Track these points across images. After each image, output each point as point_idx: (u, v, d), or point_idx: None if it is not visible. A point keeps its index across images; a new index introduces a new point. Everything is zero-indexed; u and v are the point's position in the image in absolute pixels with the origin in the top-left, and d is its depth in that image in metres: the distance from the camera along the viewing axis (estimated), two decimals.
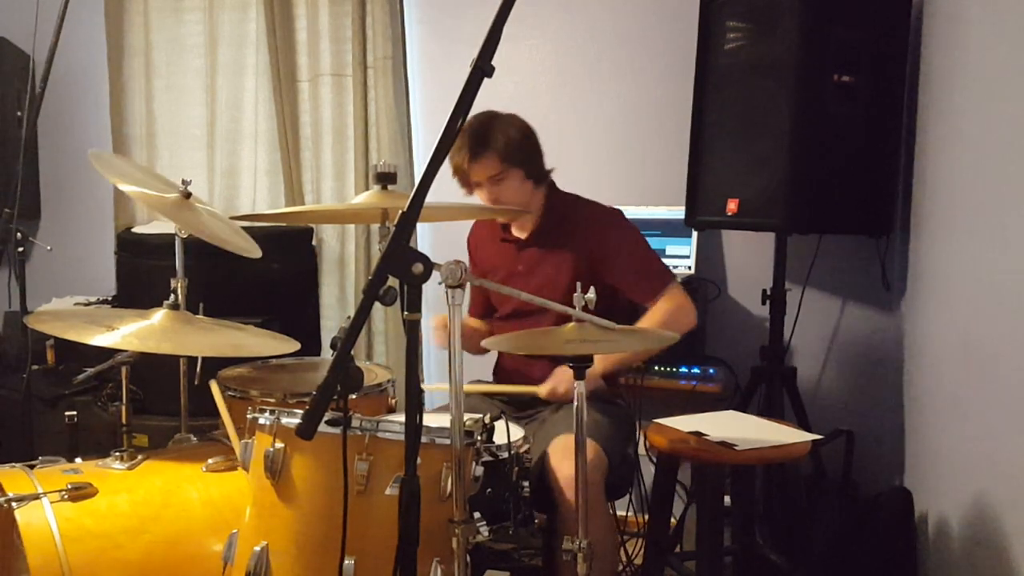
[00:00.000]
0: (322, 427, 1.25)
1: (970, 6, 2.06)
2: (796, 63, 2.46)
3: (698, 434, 2.07)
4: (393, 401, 2.23)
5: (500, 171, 2.18)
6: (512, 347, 2.09)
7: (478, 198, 2.27)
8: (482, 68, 1.19)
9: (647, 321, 2.20)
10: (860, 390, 2.94)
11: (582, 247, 2.25)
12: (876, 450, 2.81)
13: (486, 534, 1.48)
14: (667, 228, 2.98)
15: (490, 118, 2.20)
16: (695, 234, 2.97)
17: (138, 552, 1.70)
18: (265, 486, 1.55)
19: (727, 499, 2.28)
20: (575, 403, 1.60)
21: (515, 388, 2.27)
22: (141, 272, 3.01)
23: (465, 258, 2.42)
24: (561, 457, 1.95)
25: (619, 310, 2.17)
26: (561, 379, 2.17)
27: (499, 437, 1.61)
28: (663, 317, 2.20)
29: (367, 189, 1.75)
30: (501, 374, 2.45)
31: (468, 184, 2.24)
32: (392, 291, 1.20)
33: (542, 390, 2.18)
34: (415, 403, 1.26)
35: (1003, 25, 1.81)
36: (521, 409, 2.27)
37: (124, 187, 1.96)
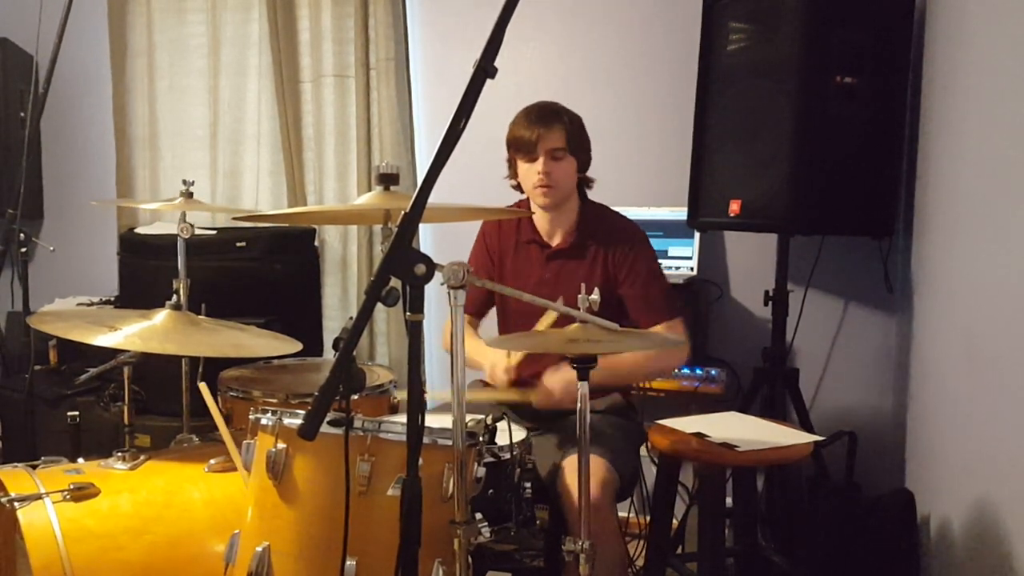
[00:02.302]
0: (324, 428, 1.25)
1: (972, 7, 2.06)
2: (798, 64, 2.46)
3: (700, 435, 2.07)
4: (395, 402, 2.23)
5: (563, 147, 2.19)
6: (513, 346, 2.09)
7: (523, 180, 2.25)
8: (485, 69, 1.19)
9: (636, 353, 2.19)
10: (862, 391, 2.93)
11: (610, 261, 2.25)
12: (878, 452, 2.81)
13: (488, 535, 1.47)
14: (669, 229, 2.98)
15: (555, 103, 2.25)
16: (697, 235, 2.97)
17: (140, 552, 1.70)
18: (267, 487, 1.55)
19: (729, 500, 2.28)
20: (578, 405, 1.59)
21: (504, 395, 2.19)
22: (143, 272, 3.02)
23: (466, 259, 2.41)
24: (575, 480, 1.92)
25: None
26: (554, 386, 2.12)
27: (501, 438, 1.61)
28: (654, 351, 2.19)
29: (369, 190, 1.75)
30: None
31: (529, 154, 2.19)
32: (394, 292, 1.20)
33: (533, 398, 2.13)
34: (417, 404, 1.25)
35: (1005, 26, 1.81)
36: (531, 419, 2.25)
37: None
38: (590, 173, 2.33)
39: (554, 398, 2.12)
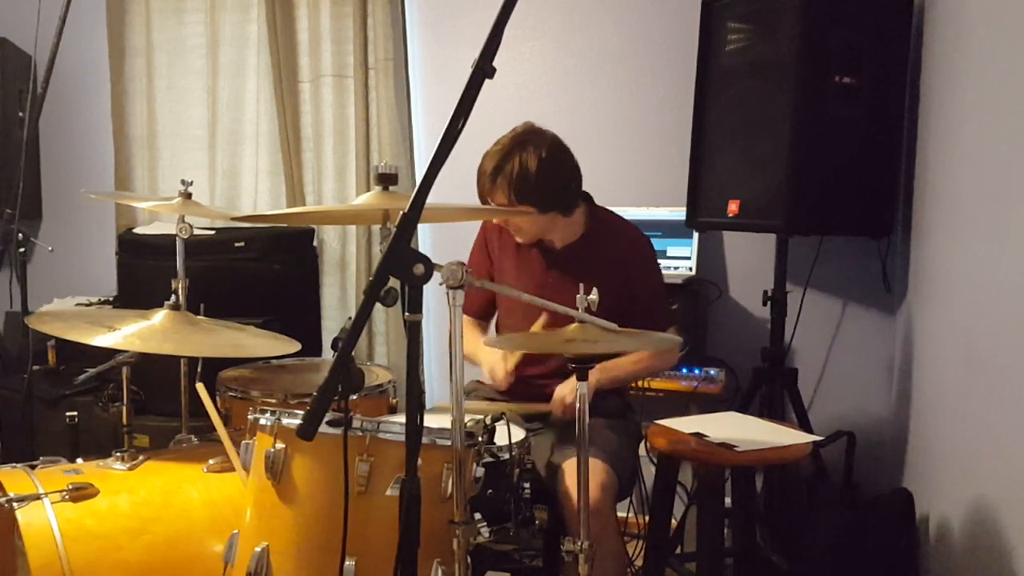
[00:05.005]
0: (323, 428, 1.25)
1: (970, 7, 2.06)
2: (797, 64, 2.46)
3: (699, 435, 2.07)
4: (394, 402, 2.23)
5: (506, 203, 2.12)
6: (512, 347, 2.09)
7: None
8: (483, 69, 1.19)
9: (634, 354, 2.23)
10: (861, 391, 2.94)
11: (616, 267, 2.21)
12: (877, 451, 2.81)
13: (487, 535, 1.48)
14: (668, 229, 2.98)
15: (516, 144, 2.11)
16: (696, 235, 2.97)
17: (139, 553, 1.70)
18: (266, 487, 1.55)
19: (728, 500, 2.28)
20: (577, 405, 1.59)
21: (524, 407, 2.17)
22: (142, 273, 3.02)
23: (465, 259, 2.41)
24: (575, 482, 1.91)
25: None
26: (566, 395, 2.12)
27: (500, 438, 1.61)
28: (652, 351, 2.24)
29: (368, 190, 1.76)
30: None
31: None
32: (393, 292, 1.20)
33: (554, 409, 2.13)
34: (416, 404, 1.25)
35: (1003, 26, 1.81)
36: (529, 420, 2.24)
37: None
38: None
39: (568, 403, 2.11)
